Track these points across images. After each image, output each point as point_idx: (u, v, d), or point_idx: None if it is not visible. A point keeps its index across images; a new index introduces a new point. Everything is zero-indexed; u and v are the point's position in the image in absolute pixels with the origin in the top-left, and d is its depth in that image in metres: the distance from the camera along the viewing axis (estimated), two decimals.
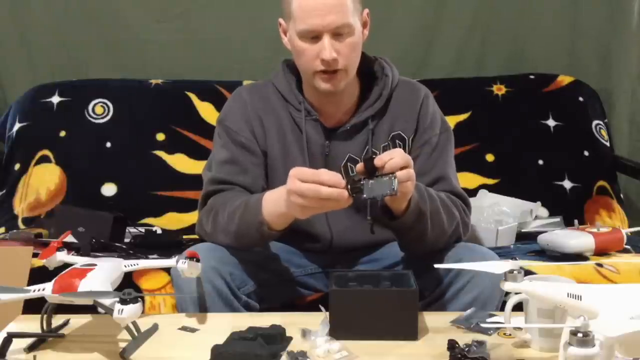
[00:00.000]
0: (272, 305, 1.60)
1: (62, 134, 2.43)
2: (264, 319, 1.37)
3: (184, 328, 1.39)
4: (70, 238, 1.71)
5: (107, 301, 1.22)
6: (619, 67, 2.71)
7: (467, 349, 1.21)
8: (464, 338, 1.26)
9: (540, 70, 2.67)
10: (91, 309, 1.30)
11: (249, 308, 1.53)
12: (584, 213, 2.43)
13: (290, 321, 1.35)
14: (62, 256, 1.49)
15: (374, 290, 1.38)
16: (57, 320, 1.34)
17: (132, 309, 1.20)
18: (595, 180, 2.49)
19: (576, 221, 2.18)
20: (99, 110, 2.46)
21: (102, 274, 1.30)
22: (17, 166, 2.40)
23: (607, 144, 2.57)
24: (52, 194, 2.35)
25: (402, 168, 1.37)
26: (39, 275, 1.56)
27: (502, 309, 1.38)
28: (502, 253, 1.89)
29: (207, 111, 2.46)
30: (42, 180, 2.36)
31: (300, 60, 1.60)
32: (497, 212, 2.23)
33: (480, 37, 2.74)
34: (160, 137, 2.44)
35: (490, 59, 2.75)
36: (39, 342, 1.30)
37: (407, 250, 1.63)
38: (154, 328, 1.37)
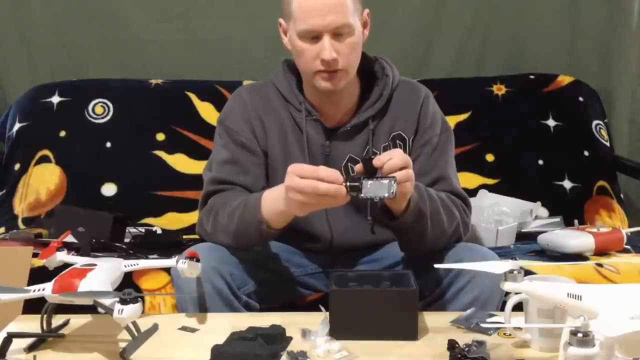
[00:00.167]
0: (272, 305, 1.60)
1: (62, 134, 2.43)
2: (264, 319, 1.37)
3: (184, 328, 1.39)
4: (70, 238, 1.71)
5: (107, 301, 1.22)
6: (619, 67, 2.71)
7: (467, 349, 1.21)
8: (464, 338, 1.26)
9: (540, 70, 2.67)
10: (91, 309, 1.30)
11: (249, 308, 1.53)
12: (584, 213, 2.43)
13: (290, 321, 1.35)
14: (62, 256, 1.49)
15: (374, 290, 1.38)
16: (57, 320, 1.34)
17: (132, 309, 1.20)
18: (595, 180, 2.49)
19: (576, 221, 2.18)
20: (99, 110, 2.46)
21: (102, 274, 1.30)
22: (17, 166, 2.40)
23: (607, 144, 2.57)
24: (52, 194, 2.35)
25: (401, 169, 1.37)
26: (39, 275, 1.56)
27: (502, 309, 1.38)
28: (502, 253, 1.89)
29: (207, 111, 2.46)
30: (42, 180, 2.36)
31: (300, 60, 1.60)
32: (497, 212, 2.23)
33: (480, 37, 2.74)
34: (160, 137, 2.44)
35: (490, 59, 2.75)
36: (39, 342, 1.30)
37: (407, 250, 1.63)
38: (154, 328, 1.37)
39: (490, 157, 2.49)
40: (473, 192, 2.32)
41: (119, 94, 2.50)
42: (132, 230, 2.16)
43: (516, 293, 1.25)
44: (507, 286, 1.21)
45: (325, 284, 1.70)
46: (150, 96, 2.51)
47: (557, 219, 2.32)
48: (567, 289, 1.15)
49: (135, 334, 1.28)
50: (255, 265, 1.56)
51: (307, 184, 1.34)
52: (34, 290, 1.26)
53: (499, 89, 2.59)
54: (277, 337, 1.28)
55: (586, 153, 2.52)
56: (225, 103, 1.75)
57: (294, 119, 1.67)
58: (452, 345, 1.23)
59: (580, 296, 1.13)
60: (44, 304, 1.29)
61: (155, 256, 1.86)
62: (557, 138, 2.52)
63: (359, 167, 1.40)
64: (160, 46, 2.65)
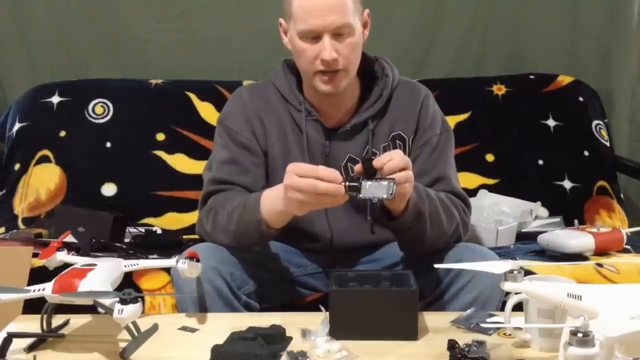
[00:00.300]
0: (272, 305, 1.60)
1: (62, 134, 2.43)
2: (264, 319, 1.37)
3: (184, 328, 1.39)
4: (70, 238, 1.71)
5: (107, 301, 1.22)
6: (619, 67, 2.71)
7: (467, 349, 1.21)
8: (464, 338, 1.26)
9: (540, 70, 2.67)
10: (91, 309, 1.30)
11: (249, 308, 1.53)
12: (584, 213, 2.43)
13: (290, 321, 1.35)
14: (62, 256, 1.49)
15: (374, 290, 1.38)
16: (57, 320, 1.34)
17: (132, 309, 1.20)
18: (595, 180, 2.49)
19: (576, 221, 2.18)
20: (99, 110, 2.46)
21: (102, 274, 1.30)
22: (17, 166, 2.40)
23: (607, 144, 2.57)
24: (52, 194, 2.35)
25: (401, 170, 1.37)
26: (39, 275, 1.56)
27: (502, 309, 1.38)
28: (502, 253, 1.89)
29: (207, 111, 2.46)
30: (42, 180, 2.36)
31: (300, 61, 1.60)
32: (497, 212, 2.23)
33: (480, 37, 2.74)
34: (160, 137, 2.44)
35: (490, 59, 2.75)
36: (39, 342, 1.30)
37: (407, 250, 1.63)
38: (154, 328, 1.37)
39: (490, 157, 2.49)
40: (473, 192, 2.32)
41: (119, 94, 2.50)
42: (132, 230, 2.16)
43: (516, 293, 1.25)
44: (507, 286, 1.21)
45: (325, 284, 1.70)
46: (150, 96, 2.51)
47: (557, 219, 2.32)
48: (567, 289, 1.15)
49: (135, 334, 1.28)
50: (255, 265, 1.56)
51: (306, 183, 1.34)
52: (34, 290, 1.26)
53: (499, 89, 2.59)
54: (277, 337, 1.28)
55: (586, 153, 2.52)
56: (225, 103, 1.75)
57: (293, 119, 1.67)
58: (452, 345, 1.23)
59: (580, 296, 1.13)
60: (44, 304, 1.29)
61: (155, 256, 1.86)
62: (557, 138, 2.52)
63: (358, 167, 1.40)
64: (160, 46, 2.65)
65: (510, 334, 1.31)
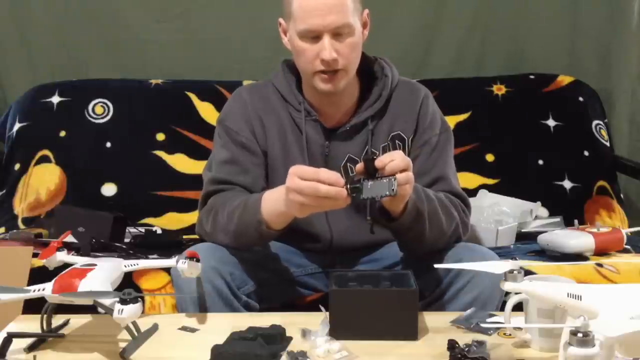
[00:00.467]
0: (272, 305, 1.60)
1: (62, 134, 2.43)
2: (264, 319, 1.37)
3: (184, 328, 1.39)
4: (70, 238, 1.71)
5: (107, 301, 1.22)
6: (619, 67, 2.71)
7: (467, 349, 1.21)
8: (464, 338, 1.26)
9: (540, 70, 2.67)
10: (91, 309, 1.30)
11: (249, 308, 1.53)
12: (584, 213, 2.43)
13: (290, 321, 1.35)
14: (62, 256, 1.49)
15: (374, 290, 1.38)
16: (57, 320, 1.34)
17: (132, 309, 1.20)
18: (595, 180, 2.49)
19: (576, 221, 2.18)
20: (99, 110, 2.46)
21: (102, 274, 1.30)
22: (17, 166, 2.40)
23: (607, 144, 2.57)
24: (52, 194, 2.35)
25: (402, 171, 1.37)
26: (39, 275, 1.56)
27: (502, 309, 1.38)
28: (502, 253, 1.89)
29: (207, 111, 2.46)
30: (42, 180, 2.36)
31: (300, 60, 1.60)
32: (497, 212, 2.23)
33: (480, 37, 2.74)
34: (160, 137, 2.44)
35: (490, 59, 2.75)
36: (39, 342, 1.30)
37: (407, 250, 1.63)
38: (154, 328, 1.37)
39: (490, 157, 2.49)
40: (473, 192, 2.32)
41: (119, 94, 2.50)
42: (132, 230, 2.16)
43: (516, 293, 1.25)
44: (507, 286, 1.21)
45: (325, 284, 1.70)
46: (150, 96, 2.51)
47: (557, 219, 2.32)
48: (567, 289, 1.15)
49: (135, 334, 1.28)
50: (255, 265, 1.56)
51: (307, 186, 1.34)
52: (34, 290, 1.26)
53: (499, 89, 2.59)
54: (277, 337, 1.28)
55: (586, 153, 2.52)
56: (225, 103, 1.75)
57: (293, 119, 1.67)
58: (452, 345, 1.23)
59: (580, 296, 1.13)
60: (44, 304, 1.29)
61: (155, 256, 1.86)
62: (557, 138, 2.52)
63: (359, 167, 1.40)
64: (160, 46, 2.65)
65: (510, 334, 1.31)
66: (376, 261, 1.71)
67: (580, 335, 1.02)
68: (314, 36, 1.54)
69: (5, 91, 2.67)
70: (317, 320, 1.31)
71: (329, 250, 1.70)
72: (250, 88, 1.75)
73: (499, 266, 1.22)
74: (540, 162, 2.49)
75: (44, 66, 2.64)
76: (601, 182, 2.49)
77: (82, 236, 1.91)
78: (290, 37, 1.61)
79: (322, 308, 1.33)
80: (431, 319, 1.41)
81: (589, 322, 1.03)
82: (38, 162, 2.39)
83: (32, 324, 1.32)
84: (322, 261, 1.72)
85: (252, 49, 2.64)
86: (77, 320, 1.40)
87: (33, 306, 1.36)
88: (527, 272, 1.28)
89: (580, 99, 2.60)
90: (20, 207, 2.34)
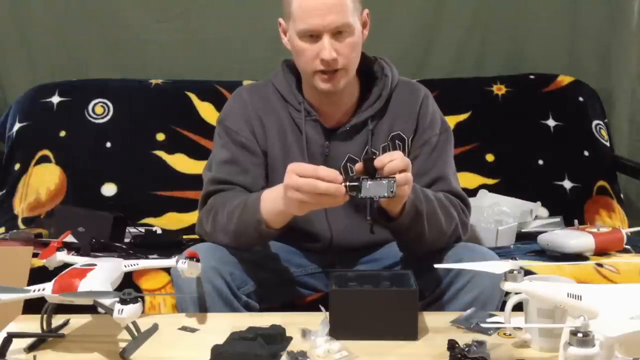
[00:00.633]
0: (272, 305, 1.60)
1: (62, 134, 2.43)
2: (264, 319, 1.37)
3: (184, 328, 1.39)
4: (70, 238, 1.71)
5: (107, 301, 1.22)
6: (618, 67, 2.71)
7: (467, 349, 1.21)
8: (464, 338, 1.26)
9: (540, 70, 2.67)
10: (91, 309, 1.30)
11: (249, 308, 1.53)
12: (584, 213, 2.43)
13: (290, 321, 1.35)
14: (62, 256, 1.49)
15: (374, 290, 1.38)
16: (57, 320, 1.34)
17: (132, 309, 1.20)
18: (595, 180, 2.49)
19: (576, 221, 2.18)
20: (99, 110, 2.46)
21: (102, 274, 1.30)
22: (17, 166, 2.40)
23: (607, 144, 2.57)
24: (52, 194, 2.35)
25: (401, 171, 1.37)
26: (39, 275, 1.56)
27: (502, 309, 1.38)
28: (502, 253, 1.89)
29: (207, 111, 2.46)
30: (42, 180, 2.36)
31: (299, 60, 1.60)
32: (497, 212, 2.23)
33: (480, 37, 2.74)
34: (160, 137, 2.44)
35: (490, 58, 2.75)
36: (39, 342, 1.30)
37: (406, 251, 1.63)
38: (154, 328, 1.37)
39: (490, 157, 2.49)
40: (473, 192, 2.32)
41: (119, 94, 2.50)
42: (132, 230, 2.16)
43: (516, 293, 1.25)
44: (507, 286, 1.21)
45: (325, 284, 1.70)
46: (150, 96, 2.51)
47: (557, 219, 2.32)
48: (567, 289, 1.15)
49: (135, 334, 1.28)
50: (255, 265, 1.56)
51: (306, 183, 1.34)
52: (34, 290, 1.26)
53: (499, 89, 2.59)
54: (277, 337, 1.28)
55: (586, 153, 2.52)
56: (225, 103, 1.75)
57: (293, 119, 1.67)
58: (452, 345, 1.23)
59: (580, 296, 1.13)
60: (44, 304, 1.29)
61: (155, 256, 1.86)
62: (557, 138, 2.52)
63: (359, 166, 1.40)
64: (160, 46, 2.65)
65: (510, 334, 1.31)
66: (376, 261, 1.71)
67: (580, 335, 1.02)
68: (314, 36, 1.54)
69: (5, 91, 2.67)
70: (317, 320, 1.31)
71: (329, 250, 1.70)
72: (250, 88, 1.75)
73: (499, 266, 1.22)
74: (540, 162, 2.49)
75: (44, 66, 2.64)
76: (601, 182, 2.49)
77: (82, 236, 1.91)
78: (290, 37, 1.61)
79: (322, 308, 1.33)
80: (431, 319, 1.41)
81: (589, 322, 1.03)
82: (38, 162, 2.39)
83: (32, 324, 1.32)
84: (322, 261, 1.72)
85: (252, 49, 2.64)
86: (77, 320, 1.40)
87: (33, 306, 1.36)
88: (527, 272, 1.28)
89: (580, 99, 2.60)
90: (20, 207, 2.34)
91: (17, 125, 2.44)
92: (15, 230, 2.20)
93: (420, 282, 1.38)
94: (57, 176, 2.37)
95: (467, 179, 2.38)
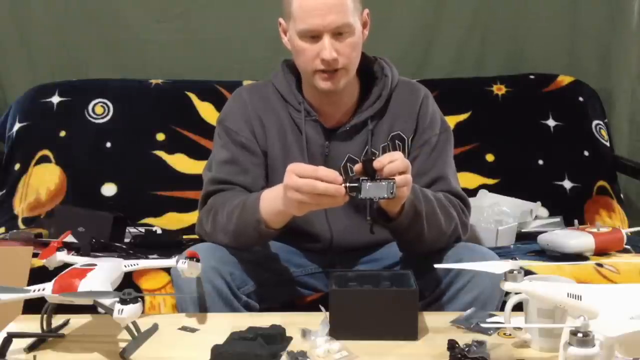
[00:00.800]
0: (272, 305, 1.60)
1: (62, 134, 2.43)
2: (264, 319, 1.37)
3: (184, 328, 1.39)
4: (70, 238, 1.71)
5: (107, 301, 1.22)
6: (619, 67, 2.71)
7: (467, 349, 1.21)
8: (464, 338, 1.26)
9: (540, 70, 2.67)
10: (91, 309, 1.30)
11: (249, 308, 1.53)
12: (584, 213, 2.43)
13: (290, 321, 1.35)
14: (62, 256, 1.49)
15: (374, 290, 1.38)
16: (57, 320, 1.34)
17: (132, 309, 1.20)
18: (595, 180, 2.49)
19: (576, 221, 2.18)
20: (99, 110, 2.46)
21: (102, 274, 1.30)
22: (17, 166, 2.40)
23: (607, 144, 2.57)
24: (52, 194, 2.35)
25: (400, 173, 1.37)
26: (39, 275, 1.56)
27: (502, 309, 1.38)
28: (502, 253, 1.89)
29: (207, 111, 2.46)
30: (42, 180, 2.36)
31: (300, 60, 1.60)
32: (497, 212, 2.23)
33: (480, 37, 2.74)
34: (160, 137, 2.44)
35: (490, 58, 2.75)
36: (39, 342, 1.30)
37: (406, 250, 1.63)
38: (154, 328, 1.37)
39: (490, 157, 2.49)
40: (473, 192, 2.32)
41: (119, 94, 2.50)
42: (132, 230, 2.16)
43: (516, 293, 1.25)
44: (507, 286, 1.21)
45: (325, 284, 1.70)
46: (150, 96, 2.51)
47: (557, 219, 2.32)
48: (567, 289, 1.15)
49: (135, 334, 1.28)
50: (255, 265, 1.56)
51: (305, 183, 1.34)
52: (34, 290, 1.26)
53: (499, 89, 2.59)
54: (277, 337, 1.28)
55: (586, 153, 2.52)
56: (225, 103, 1.75)
57: (293, 119, 1.67)
58: (452, 345, 1.23)
59: (580, 296, 1.13)
60: (44, 304, 1.29)
61: (155, 256, 1.86)
62: (557, 138, 2.52)
63: (358, 167, 1.40)
64: (160, 46, 2.65)
65: (510, 334, 1.31)
66: (376, 261, 1.71)
67: (580, 335, 1.02)
68: (314, 36, 1.54)
69: (5, 91, 2.67)
70: (317, 320, 1.31)
71: (329, 250, 1.70)
72: (250, 88, 1.75)
73: (499, 266, 1.22)
74: (540, 162, 2.49)
75: (44, 66, 2.64)
76: (601, 182, 2.49)
77: (82, 236, 1.91)
78: (290, 37, 1.61)
79: (322, 308, 1.33)
80: (431, 319, 1.41)
81: (589, 322, 1.03)
82: (38, 162, 2.39)
83: (32, 324, 1.32)
84: (322, 261, 1.72)
85: (252, 49, 2.64)
86: (77, 320, 1.40)
87: (33, 306, 1.37)
88: (527, 272, 1.28)
89: (580, 99, 2.60)
90: (20, 207, 2.34)
91: (17, 125, 2.44)
92: (15, 230, 2.20)
93: (420, 282, 1.38)
94: (57, 176, 2.37)
95: (467, 179, 2.38)
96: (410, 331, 1.32)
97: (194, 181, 2.21)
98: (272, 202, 1.47)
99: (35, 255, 1.77)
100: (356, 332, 1.30)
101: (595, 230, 2.02)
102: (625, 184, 2.66)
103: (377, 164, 1.37)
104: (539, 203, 2.31)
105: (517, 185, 2.42)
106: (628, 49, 2.68)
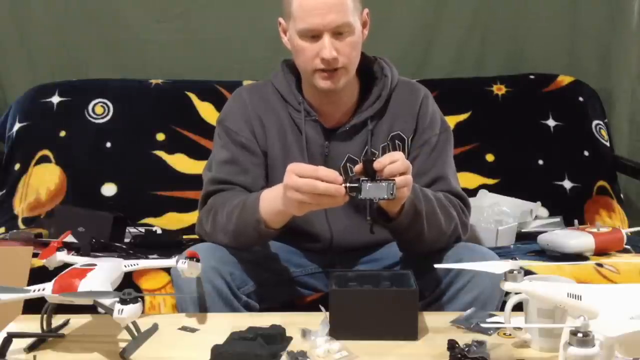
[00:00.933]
0: (272, 305, 1.60)
1: (62, 134, 2.43)
2: (264, 319, 1.37)
3: (184, 328, 1.39)
4: (70, 238, 1.71)
5: (107, 301, 1.22)
6: (618, 67, 2.71)
7: (467, 349, 1.21)
8: (464, 338, 1.26)
9: (540, 70, 2.67)
10: (91, 309, 1.30)
11: (249, 308, 1.53)
12: (584, 213, 2.43)
13: (290, 321, 1.35)
14: (62, 256, 1.49)
15: (374, 290, 1.38)
16: (57, 320, 1.34)
17: (132, 309, 1.20)
18: (595, 180, 2.49)
19: (576, 221, 2.18)
20: (99, 110, 2.46)
21: (102, 274, 1.30)
22: (17, 166, 2.40)
23: (607, 144, 2.57)
24: (52, 194, 2.35)
25: (401, 174, 1.37)
26: (39, 275, 1.56)
27: (502, 309, 1.38)
28: (502, 253, 1.89)
29: (207, 111, 2.46)
30: (42, 180, 2.36)
31: (299, 59, 1.60)
32: (497, 212, 2.23)
33: (480, 37, 2.74)
34: (160, 137, 2.44)
35: (490, 58, 2.75)
36: (39, 342, 1.30)
37: (406, 250, 1.63)
38: (154, 328, 1.37)
39: (490, 157, 2.49)
40: (473, 192, 2.32)
41: (119, 94, 2.50)
42: (132, 230, 2.16)
43: (516, 293, 1.25)
44: (507, 286, 1.21)
45: (325, 284, 1.70)
46: (150, 96, 2.51)
47: (557, 219, 2.32)
48: (567, 289, 1.15)
49: (135, 334, 1.28)
50: (255, 265, 1.56)
51: (305, 183, 1.34)
52: (34, 290, 1.26)
53: (499, 89, 2.59)
54: (277, 337, 1.28)
55: (586, 153, 2.52)
56: (225, 103, 1.75)
57: (293, 119, 1.67)
58: (452, 345, 1.23)
59: (580, 296, 1.13)
60: (44, 304, 1.29)
61: (155, 256, 1.86)
62: (557, 138, 2.52)
63: (358, 167, 1.40)
64: (160, 46, 2.65)
65: (510, 334, 1.31)
66: (376, 261, 1.71)
67: (580, 335, 1.02)
68: (314, 35, 1.54)
69: (5, 91, 2.67)
70: (317, 320, 1.31)
71: (329, 250, 1.70)
72: (250, 88, 1.75)
73: (499, 266, 1.22)
74: (540, 162, 2.49)
75: (44, 66, 2.64)
76: (601, 182, 2.49)
77: (82, 236, 1.91)
78: (290, 37, 1.61)
79: (322, 308, 1.33)
80: (431, 319, 1.41)
81: (589, 322, 1.04)
82: (38, 162, 2.39)
83: (32, 324, 1.32)
84: (322, 261, 1.72)
85: (252, 49, 2.64)
86: (77, 320, 1.40)
87: (33, 306, 1.36)
88: (527, 272, 1.28)
89: (580, 99, 2.60)
90: (20, 207, 2.34)
91: (17, 125, 2.44)
92: (15, 230, 2.20)
93: (420, 282, 1.38)
94: (57, 176, 2.37)
95: (467, 179, 2.38)
96: (410, 331, 1.32)
97: (194, 181, 2.21)
98: (272, 202, 1.47)
99: (35, 255, 1.77)
100: (356, 332, 1.30)
101: (595, 230, 2.02)
102: (625, 184, 2.66)
103: (377, 164, 1.37)
104: (539, 203, 2.31)
105: (517, 185, 2.42)
106: (628, 49, 2.68)
